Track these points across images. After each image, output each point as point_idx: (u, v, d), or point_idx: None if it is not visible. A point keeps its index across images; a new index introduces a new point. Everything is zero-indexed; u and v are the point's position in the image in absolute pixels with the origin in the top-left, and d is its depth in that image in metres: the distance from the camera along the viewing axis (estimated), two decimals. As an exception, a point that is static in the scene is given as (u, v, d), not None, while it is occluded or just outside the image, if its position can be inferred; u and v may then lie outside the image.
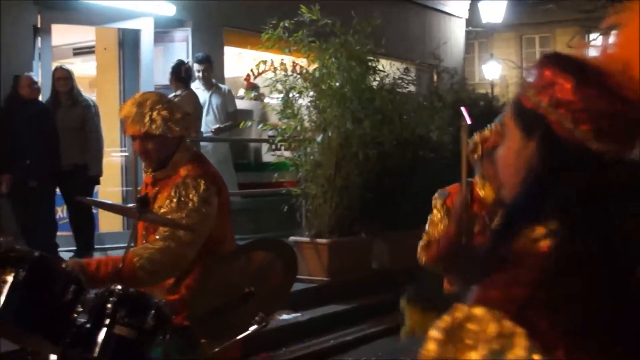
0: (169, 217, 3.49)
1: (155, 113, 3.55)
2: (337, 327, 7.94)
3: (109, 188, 9.65)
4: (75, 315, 2.91)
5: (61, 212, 9.16)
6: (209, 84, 9.96)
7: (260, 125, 9.93)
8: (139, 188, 4.05)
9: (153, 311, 2.95)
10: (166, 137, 3.60)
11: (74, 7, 9.62)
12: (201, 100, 9.64)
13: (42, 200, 7.97)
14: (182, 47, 10.46)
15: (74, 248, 8.29)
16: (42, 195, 7.92)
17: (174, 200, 3.52)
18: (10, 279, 2.85)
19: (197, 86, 9.81)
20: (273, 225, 9.92)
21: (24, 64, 8.71)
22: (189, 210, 3.50)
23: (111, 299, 2.93)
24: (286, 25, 8.76)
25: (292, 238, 8.85)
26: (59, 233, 8.50)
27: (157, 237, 3.49)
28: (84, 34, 11.07)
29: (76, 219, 8.33)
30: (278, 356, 7.04)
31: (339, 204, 8.84)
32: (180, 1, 10.43)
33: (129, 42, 10.42)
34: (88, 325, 2.89)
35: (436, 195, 4.02)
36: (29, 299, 2.86)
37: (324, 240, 8.72)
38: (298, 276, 8.42)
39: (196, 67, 9.93)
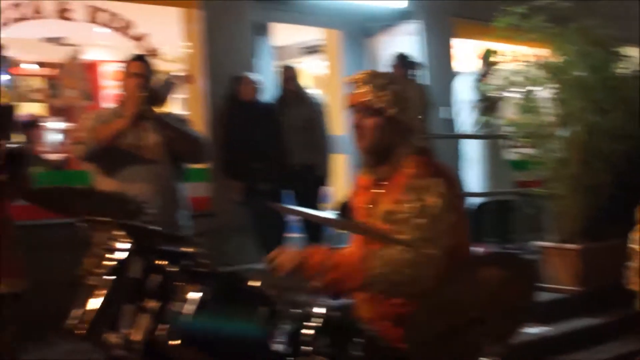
0: (412, 222, 2.98)
1: (390, 89, 3.14)
2: (589, 342, 7.19)
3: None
4: (270, 341, 2.44)
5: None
6: None
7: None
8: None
9: (362, 340, 2.43)
10: (391, 119, 3.13)
11: (295, 6, 9.39)
12: None
13: (271, 202, 7.78)
14: (409, 40, 10.07)
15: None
16: (271, 197, 7.68)
17: (415, 203, 3.01)
18: (192, 296, 2.43)
19: None
20: (515, 228, 9.28)
21: (243, 63, 8.57)
22: (433, 217, 2.98)
23: (311, 323, 2.45)
24: (520, 11, 8.07)
25: (536, 243, 8.21)
26: (291, 235, 8.27)
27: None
28: (312, 33, 11.00)
29: (306, 221, 8.04)
30: (522, 374, 6.37)
31: (589, 205, 8.03)
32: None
33: (354, 40, 10.17)
34: (283, 353, 2.43)
35: None
36: (213, 320, 2.45)
37: (574, 246, 7.94)
38: (545, 285, 7.86)
39: None
